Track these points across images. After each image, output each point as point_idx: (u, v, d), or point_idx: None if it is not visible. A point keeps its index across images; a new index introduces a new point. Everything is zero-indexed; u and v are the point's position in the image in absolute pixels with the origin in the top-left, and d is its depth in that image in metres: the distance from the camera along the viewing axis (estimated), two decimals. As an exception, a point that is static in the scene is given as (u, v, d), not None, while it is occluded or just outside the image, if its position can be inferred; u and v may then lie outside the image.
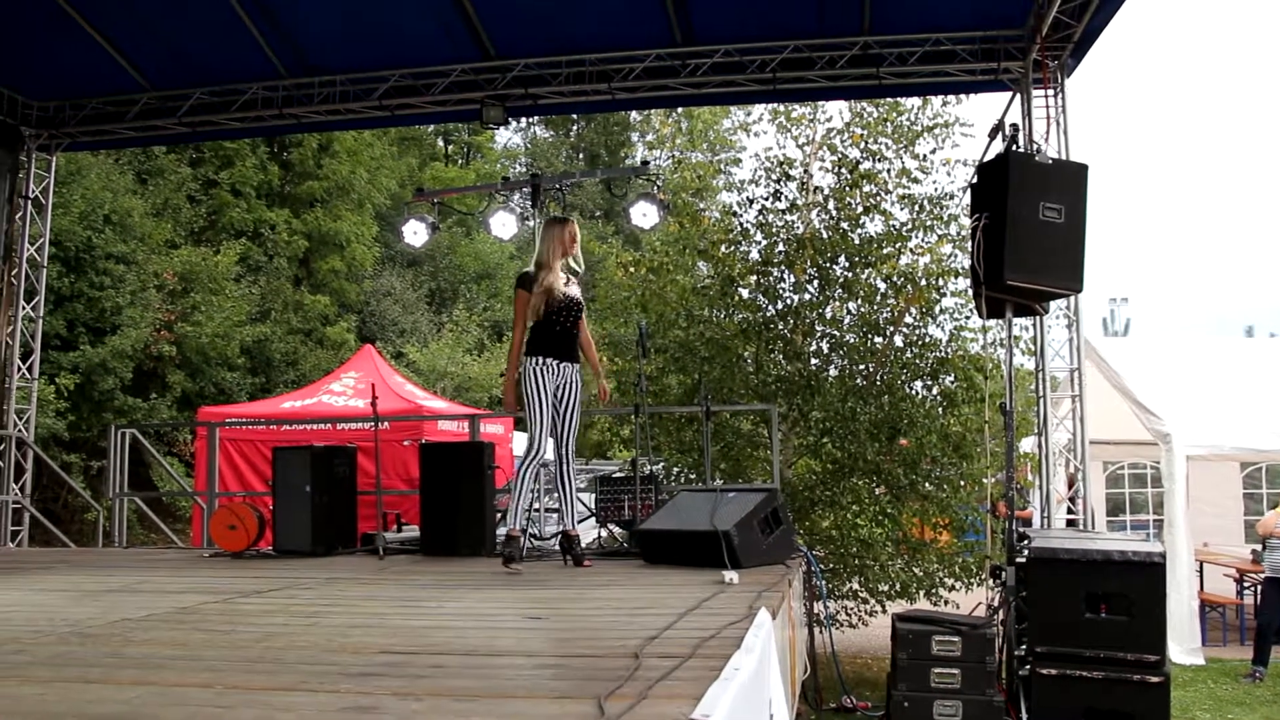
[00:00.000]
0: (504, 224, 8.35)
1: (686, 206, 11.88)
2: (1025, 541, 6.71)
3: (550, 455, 6.66)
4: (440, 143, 38.09)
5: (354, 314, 26.74)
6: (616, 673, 3.01)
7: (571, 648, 3.61)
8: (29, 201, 10.48)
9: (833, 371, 11.58)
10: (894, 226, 11.47)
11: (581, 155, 42.83)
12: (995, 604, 7.05)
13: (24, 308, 10.46)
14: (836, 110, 12.42)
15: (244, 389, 21.41)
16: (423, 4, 8.84)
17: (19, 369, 10.41)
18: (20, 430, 10.38)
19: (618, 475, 10.15)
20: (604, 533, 8.53)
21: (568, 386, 6.69)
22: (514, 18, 9.06)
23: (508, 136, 41.76)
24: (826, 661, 7.78)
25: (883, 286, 11.50)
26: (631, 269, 12.02)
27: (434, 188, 31.85)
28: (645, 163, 8.26)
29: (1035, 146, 8.15)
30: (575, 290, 6.80)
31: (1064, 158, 8.17)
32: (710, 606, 4.55)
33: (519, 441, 15.68)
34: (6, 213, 10.27)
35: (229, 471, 12.65)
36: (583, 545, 6.89)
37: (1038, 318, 8.26)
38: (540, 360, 6.59)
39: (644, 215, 8.09)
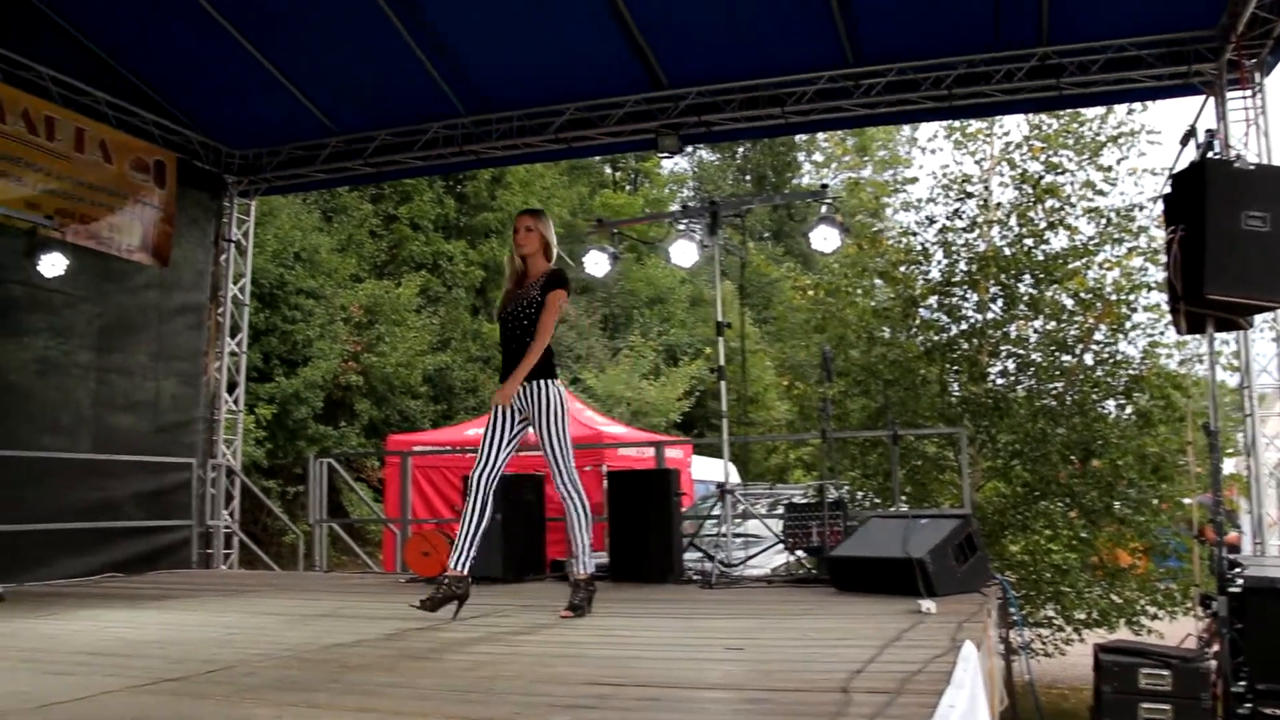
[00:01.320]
0: (684, 252, 8.37)
1: (864, 228, 11.74)
2: (1237, 569, 6.34)
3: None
4: (608, 170, 38.57)
5: (530, 341, 27.23)
6: (826, 708, 2.98)
7: (775, 680, 3.58)
8: (232, 244, 11.07)
9: (1020, 391, 11.24)
10: (1080, 241, 11.08)
11: (748, 177, 42.78)
12: (1206, 636, 6.70)
13: (229, 344, 11.05)
14: (1014, 124, 12.13)
15: (427, 416, 22.05)
16: (596, 39, 8.96)
17: (226, 401, 10.97)
18: (228, 459, 10.93)
19: (803, 500, 10.07)
20: (791, 559, 8.46)
21: (529, 406, 5.73)
22: (686, 47, 9.12)
23: (674, 161, 41.91)
24: (1023, 692, 7.53)
25: (1070, 303, 11.11)
26: (810, 292, 11.94)
27: (605, 215, 32.46)
28: (824, 185, 8.18)
29: (1233, 152, 7.76)
30: (533, 290, 5.79)
31: (1266, 162, 7.74)
32: (911, 638, 4.46)
33: (699, 466, 15.71)
34: (213, 255, 10.90)
35: (416, 497, 13.02)
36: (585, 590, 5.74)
37: (1241, 332, 7.84)
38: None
39: (824, 239, 8.00)
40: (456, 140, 10.15)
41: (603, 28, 8.75)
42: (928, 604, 5.40)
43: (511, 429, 5.82)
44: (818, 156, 42.74)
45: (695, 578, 7.83)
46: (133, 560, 9.71)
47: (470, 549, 5.55)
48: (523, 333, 5.72)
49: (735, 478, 13.62)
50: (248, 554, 11.39)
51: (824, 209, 8.07)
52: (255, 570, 11.40)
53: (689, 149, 41.58)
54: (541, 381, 5.69)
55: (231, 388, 11.11)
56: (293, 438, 18.58)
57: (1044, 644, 10.68)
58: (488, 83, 9.74)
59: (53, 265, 8.33)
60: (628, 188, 39.67)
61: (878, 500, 11.14)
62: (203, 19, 8.91)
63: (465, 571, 5.48)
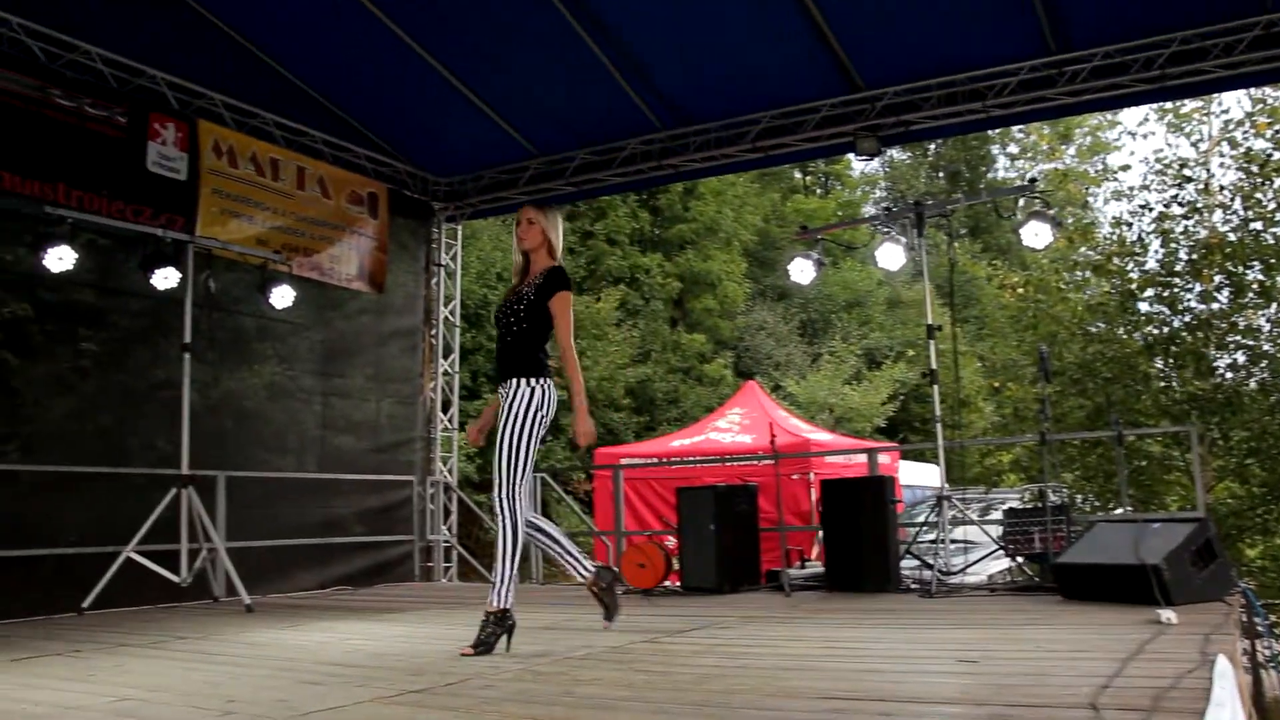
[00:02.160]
0: (890, 255, 8.22)
1: (1077, 221, 11.30)
2: None
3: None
4: (798, 175, 38.33)
5: (729, 350, 27.33)
6: (1077, 726, 2.86)
7: (1015, 694, 3.45)
8: (441, 269, 11.48)
9: (1252, 385, 10.60)
10: (1317, 222, 10.41)
11: (941, 175, 41.84)
12: None
13: (442, 364, 11.46)
14: (1234, 100, 11.48)
15: (630, 428, 22.36)
16: (789, 45, 8.91)
17: (441, 420, 11.38)
18: (445, 476, 11.33)
19: (1021, 505, 9.75)
20: (1011, 566, 8.20)
21: (504, 408, 5.23)
22: (880, 47, 8.97)
23: (865, 162, 41.32)
24: (1273, 708, 7.08)
25: (1308, 289, 10.45)
26: (1020, 289, 11.57)
27: (798, 220, 32.21)
28: (1032, 180, 7.89)
29: None
30: (527, 287, 5.32)
31: None
32: (1155, 650, 4.24)
33: (906, 471, 15.41)
34: (424, 279, 11.34)
35: (625, 510, 13.20)
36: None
37: None
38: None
39: (1036, 235, 7.71)
40: (654, 155, 10.26)
41: (795, 33, 8.70)
42: (1168, 614, 5.13)
43: None
44: (1013, 148, 41.48)
45: (914, 586, 7.68)
46: (360, 574, 10.17)
47: (512, 580, 5.07)
48: (513, 332, 5.22)
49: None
50: (464, 566, 11.76)
51: (1035, 204, 7.79)
52: (473, 583, 11.75)
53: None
54: (518, 380, 5.14)
55: (446, 406, 11.51)
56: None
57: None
58: (682, 96, 9.82)
59: (282, 297, 8.81)
60: (818, 191, 39.37)
61: (1098, 504, 10.70)
62: (406, 54, 9.29)
63: (508, 605, 5.03)
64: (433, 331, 11.40)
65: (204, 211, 8.99)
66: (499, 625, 5.02)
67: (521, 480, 5.07)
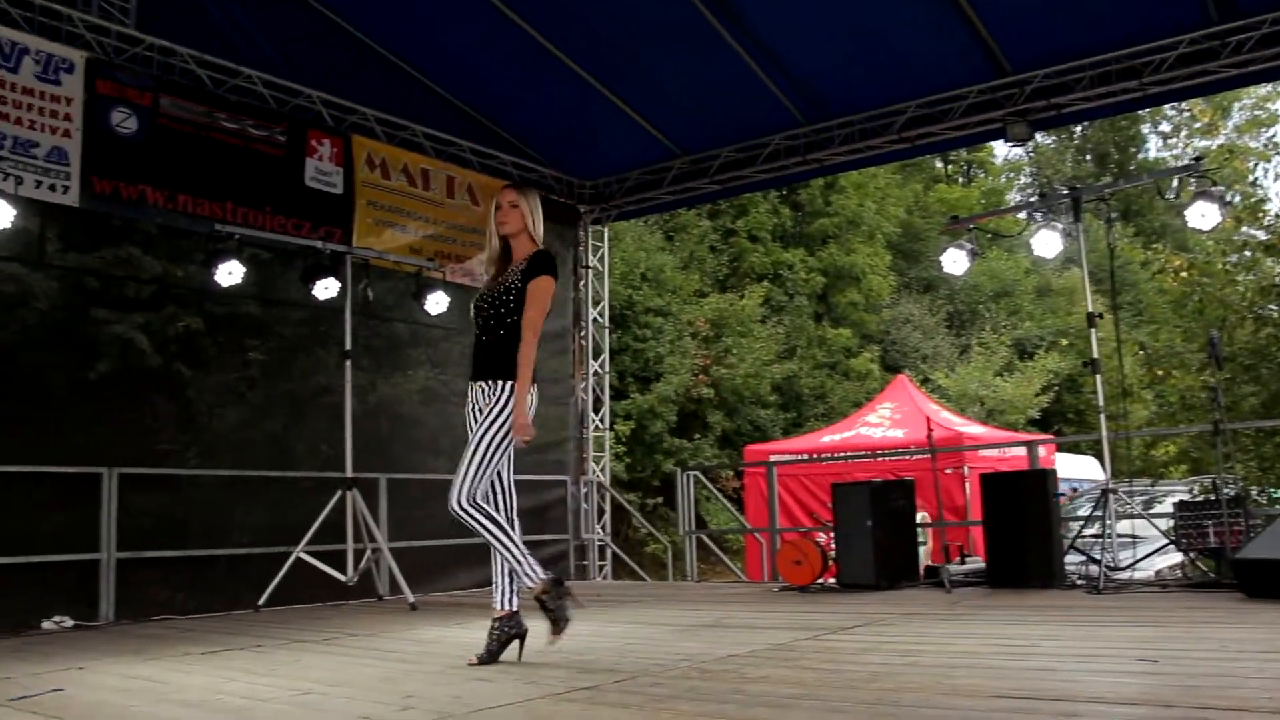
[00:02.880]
0: (1047, 242, 7.97)
1: (1246, 197, 10.80)
2: None
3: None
4: (939, 164, 37.53)
5: (875, 344, 26.96)
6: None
7: (1204, 696, 3.30)
8: (589, 270, 11.61)
9: None
10: None
11: (1088, 158, 40.47)
12: None
13: (593, 365, 11.59)
14: None
15: (777, 425, 22.24)
16: (932, 32, 8.72)
17: (593, 420, 11.51)
18: (598, 475, 11.45)
19: (1189, 497, 9.36)
20: (1183, 561, 7.87)
21: (474, 410, 4.89)
22: (1028, 29, 8.71)
23: (1008, 148, 40.17)
24: None
25: None
26: (1184, 273, 11.12)
27: (942, 210, 31.60)
28: (1198, 158, 7.53)
29: None
30: (513, 275, 4.88)
31: None
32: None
33: (1063, 464, 14.92)
34: (572, 282, 11.48)
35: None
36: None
37: None
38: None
39: (1203, 216, 7.38)
40: (798, 150, 10.17)
41: (938, 20, 8.53)
42: (1364, 610, 4.87)
43: None
44: (1164, 127, 39.86)
45: (1079, 582, 7.45)
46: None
47: (509, 581, 4.89)
48: (495, 323, 4.84)
49: (1102, 474, 12.88)
50: (617, 564, 11.85)
51: (1201, 183, 7.45)
52: (628, 581, 11.85)
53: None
54: (503, 382, 4.79)
55: (597, 406, 11.63)
56: (649, 452, 19.25)
57: None
58: (825, 90, 9.72)
59: (436, 303, 9.04)
60: (961, 180, 38.48)
61: (1277, 495, 10.21)
62: (549, 60, 9.43)
63: (514, 608, 4.84)
64: (582, 333, 11.53)
65: (359, 223, 9.30)
66: (508, 629, 4.80)
67: (482, 485, 4.79)
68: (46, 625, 7.05)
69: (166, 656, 5.38)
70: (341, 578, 7.97)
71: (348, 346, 8.28)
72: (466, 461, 4.72)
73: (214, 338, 8.53)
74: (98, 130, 7.76)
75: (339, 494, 8.02)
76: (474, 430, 4.79)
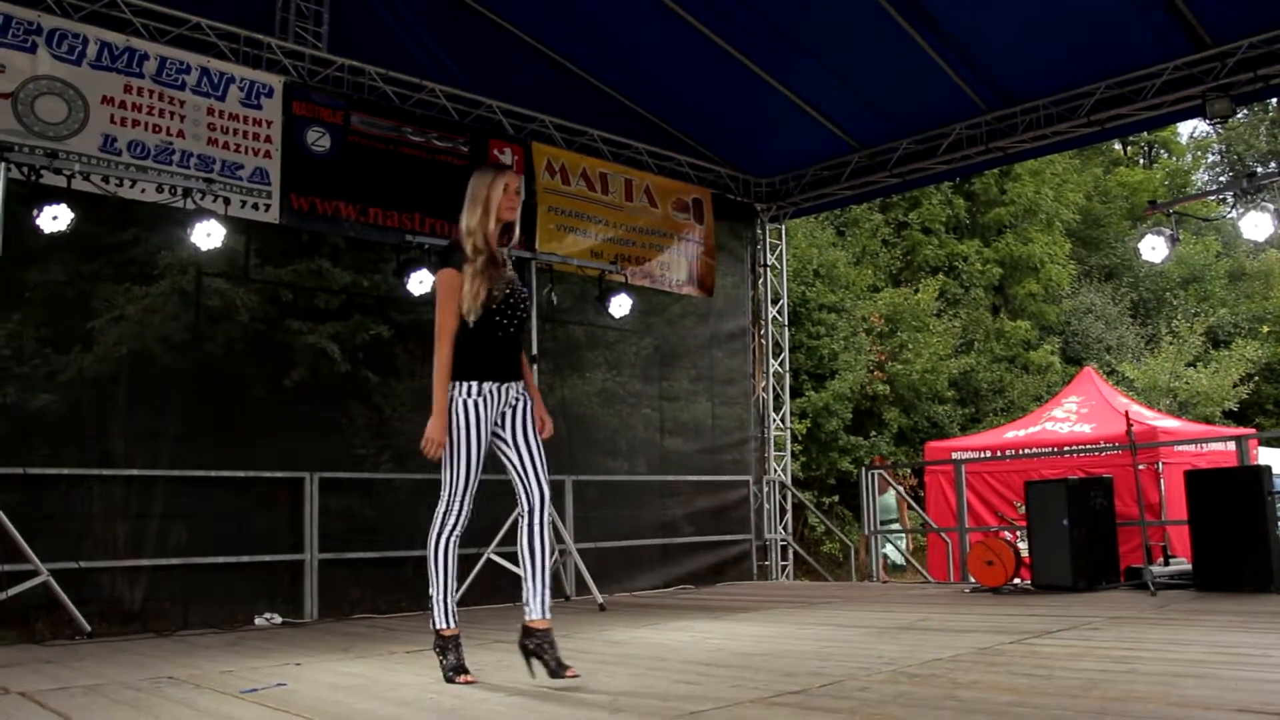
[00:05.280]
0: (1257, 224, 7.54)
1: None
2: None
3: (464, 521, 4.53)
4: (1117, 146, 35.94)
5: (1056, 335, 26.03)
6: None
7: None
8: (767, 269, 11.55)
9: None
10: None
11: (1285, 131, 38.12)
12: None
13: (772, 364, 11.52)
14: None
15: (955, 420, 21.70)
16: (1124, 10, 8.36)
17: (773, 419, 11.45)
18: (780, 474, 11.38)
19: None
20: None
21: (516, 413, 4.53)
22: (1229, -1, 8.27)
23: (1193, 125, 38.16)
24: None
25: None
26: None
27: (1123, 194, 30.36)
28: None
29: None
30: (518, 282, 4.60)
31: None
32: None
33: (1264, 458, 14.09)
34: (750, 280, 11.45)
35: (954, 504, 12.82)
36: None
37: None
38: (474, 387, 4.40)
39: None
40: (980, 139, 9.91)
41: (1128, -8, 8.17)
42: None
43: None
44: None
45: (1300, 586, 7.03)
46: (701, 573, 10.39)
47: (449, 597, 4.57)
48: (520, 321, 4.56)
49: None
50: (797, 563, 11.76)
51: None
52: (809, 581, 11.75)
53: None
54: (523, 385, 4.62)
55: (777, 405, 11.56)
56: (825, 449, 19.02)
57: None
58: (1008, 75, 9.44)
59: (620, 306, 9.15)
60: (1141, 162, 36.82)
61: None
62: (721, 58, 9.43)
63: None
64: (761, 331, 11.48)
65: (542, 229, 9.48)
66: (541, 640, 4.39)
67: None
68: (259, 622, 7.43)
69: (374, 655, 5.58)
70: (529, 579, 8.12)
71: (534, 351, 8.44)
72: (545, 472, 4.59)
73: (401, 345, 8.81)
74: (295, 150, 8.14)
75: (525, 496, 8.18)
76: (530, 426, 4.55)
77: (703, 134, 10.86)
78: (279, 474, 7.91)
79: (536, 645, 4.35)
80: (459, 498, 4.50)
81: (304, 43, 8.35)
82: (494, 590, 8.24)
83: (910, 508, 13.16)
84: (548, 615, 4.42)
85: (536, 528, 4.52)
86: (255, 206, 7.88)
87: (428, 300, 8.52)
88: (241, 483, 7.78)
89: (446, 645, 4.53)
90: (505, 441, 4.55)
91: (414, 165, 8.84)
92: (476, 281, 4.37)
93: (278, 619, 7.53)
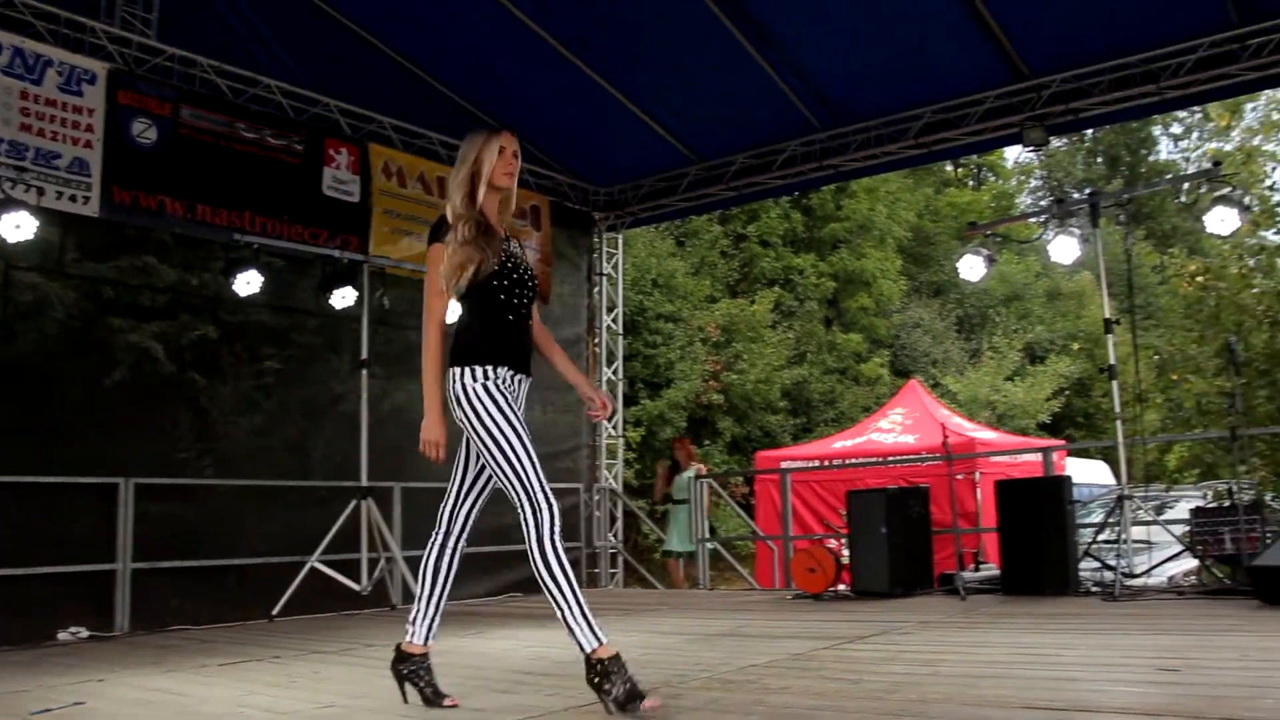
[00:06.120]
0: (1065, 248, 7.96)
1: (1263, 201, 10.80)
2: None
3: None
4: (949, 168, 37.42)
5: (886, 349, 26.93)
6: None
7: (1232, 708, 3.30)
8: (603, 278, 11.62)
9: None
10: None
11: (1100, 160, 40.34)
12: None
13: (606, 372, 11.60)
14: None
15: (787, 430, 22.22)
16: (950, 37, 8.73)
17: (606, 427, 11.51)
18: (610, 482, 11.46)
19: (1203, 502, 9.35)
20: (1197, 568, 7.85)
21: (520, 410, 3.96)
22: (1045, 32, 8.70)
23: (1019, 151, 39.94)
24: None
25: None
26: (1200, 278, 11.11)
27: (953, 214, 31.55)
28: (1217, 163, 7.52)
29: None
30: (513, 247, 4.07)
31: None
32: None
33: (1074, 468, 14.84)
34: (586, 289, 11.51)
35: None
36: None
37: None
38: (488, 371, 3.84)
39: (1222, 221, 7.37)
40: (814, 156, 10.19)
41: (955, 24, 8.52)
42: (1384, 618, 4.86)
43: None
44: (1176, 129, 39.70)
45: (1094, 589, 7.43)
46: (530, 581, 10.24)
47: (435, 612, 4.18)
48: (529, 301, 4.09)
49: (1111, 479, 12.84)
50: (627, 571, 11.85)
51: (1220, 188, 7.43)
52: (639, 589, 11.85)
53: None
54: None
55: (610, 414, 11.61)
56: (659, 458, 19.22)
57: None
58: (842, 95, 9.73)
59: (452, 312, 9.05)
60: (970, 183, 38.41)
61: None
62: (564, 67, 9.44)
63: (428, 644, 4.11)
64: (595, 340, 11.54)
65: (376, 231, 9.34)
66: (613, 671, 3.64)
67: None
68: (63, 636, 7.08)
69: (185, 668, 5.41)
70: (355, 587, 8.00)
71: (364, 355, 8.32)
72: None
73: (229, 346, 8.56)
74: (119, 141, 7.81)
75: (353, 503, 8.05)
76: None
77: (543, 142, 10.86)
78: (91, 479, 7.56)
79: (594, 672, 3.67)
80: (537, 481, 3.80)
81: (131, 29, 8.01)
82: (317, 600, 8.07)
83: (722, 503, 13.37)
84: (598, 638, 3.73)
85: (452, 551, 4.13)
86: (73, 198, 7.53)
87: (256, 301, 8.34)
88: (52, 489, 7.40)
89: (614, 669, 3.62)
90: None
91: (246, 162, 8.58)
92: (460, 253, 3.80)
93: (84, 633, 7.17)
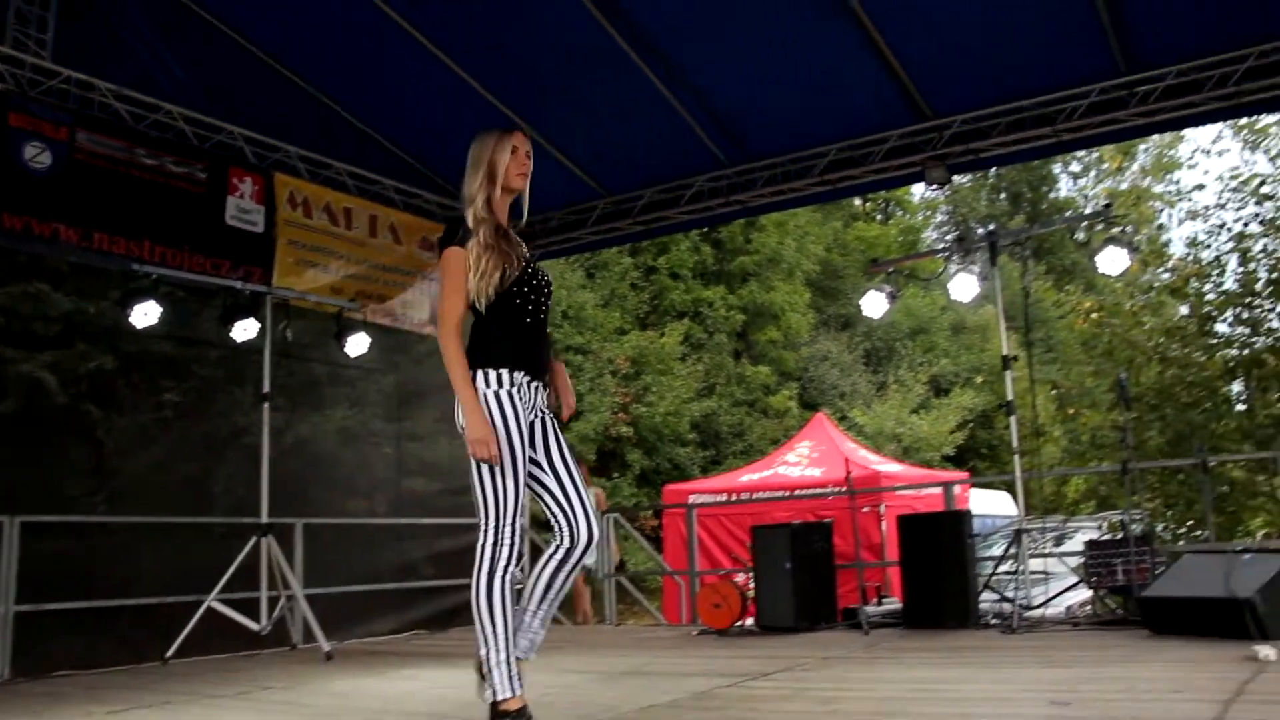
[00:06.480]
0: (964, 286, 8.15)
1: (1152, 242, 11.17)
2: None
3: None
4: (858, 202, 38.12)
5: (794, 381, 27.22)
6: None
7: (1117, 740, 3.39)
8: (510, 309, 11.55)
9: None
10: None
11: (1003, 196, 41.37)
12: None
13: (512, 405, 11.51)
14: (1311, 113, 11.29)
15: (696, 463, 22.32)
16: (855, 77, 8.88)
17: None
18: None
19: (1097, 534, 9.58)
20: (1091, 598, 8.04)
21: (546, 425, 3.98)
22: (947, 75, 8.91)
23: (922, 186, 40.78)
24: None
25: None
26: (1094, 315, 11.44)
27: (860, 248, 32.07)
28: (1108, 204, 7.78)
29: None
30: (538, 265, 4.07)
31: None
32: (1256, 691, 4.14)
33: (977, 500, 15.11)
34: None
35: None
36: None
37: None
38: (503, 376, 3.84)
39: (1112, 261, 7.62)
40: (721, 192, 10.26)
41: (861, 65, 8.67)
42: (1266, 650, 5.00)
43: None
44: (1075, 167, 40.93)
45: (993, 622, 7.56)
46: (436, 617, 10.22)
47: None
48: (547, 307, 4.04)
49: (1015, 510, 13.11)
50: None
51: (1111, 229, 7.68)
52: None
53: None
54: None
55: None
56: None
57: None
58: (750, 132, 9.82)
59: (357, 345, 8.97)
60: (879, 218, 39.14)
61: (1181, 532, 10.50)
62: (473, 98, 9.39)
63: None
64: (503, 373, 11.45)
65: (280, 262, 9.19)
66: None
67: None
68: (-63, 685, 6.78)
69: (68, 717, 5.22)
70: (254, 626, 7.80)
71: (266, 389, 8.15)
72: (583, 492, 3.92)
73: (127, 377, 8.33)
74: (10, 164, 7.56)
75: (253, 540, 7.87)
76: (564, 443, 3.98)
77: (453, 173, 10.71)
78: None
79: None
80: (509, 520, 3.70)
81: (25, 49, 7.76)
82: (214, 640, 7.85)
83: (644, 549, 13.39)
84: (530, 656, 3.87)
85: (570, 568, 3.87)
86: (-41, 225, 7.31)
87: (156, 332, 8.14)
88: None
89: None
90: (537, 462, 3.86)
91: (146, 190, 8.38)
92: (485, 257, 3.76)
93: (-39, 681, 6.89)
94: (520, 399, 3.81)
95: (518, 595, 3.86)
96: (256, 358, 8.31)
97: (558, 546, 3.87)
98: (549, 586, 3.87)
